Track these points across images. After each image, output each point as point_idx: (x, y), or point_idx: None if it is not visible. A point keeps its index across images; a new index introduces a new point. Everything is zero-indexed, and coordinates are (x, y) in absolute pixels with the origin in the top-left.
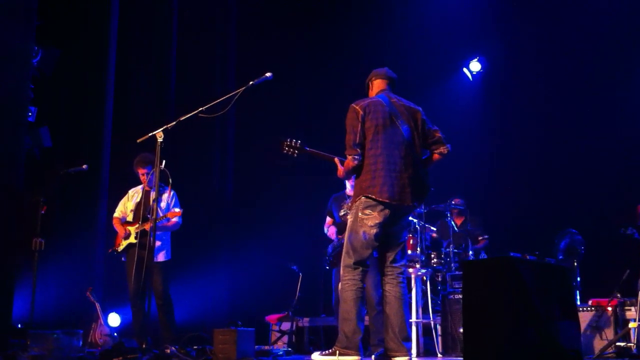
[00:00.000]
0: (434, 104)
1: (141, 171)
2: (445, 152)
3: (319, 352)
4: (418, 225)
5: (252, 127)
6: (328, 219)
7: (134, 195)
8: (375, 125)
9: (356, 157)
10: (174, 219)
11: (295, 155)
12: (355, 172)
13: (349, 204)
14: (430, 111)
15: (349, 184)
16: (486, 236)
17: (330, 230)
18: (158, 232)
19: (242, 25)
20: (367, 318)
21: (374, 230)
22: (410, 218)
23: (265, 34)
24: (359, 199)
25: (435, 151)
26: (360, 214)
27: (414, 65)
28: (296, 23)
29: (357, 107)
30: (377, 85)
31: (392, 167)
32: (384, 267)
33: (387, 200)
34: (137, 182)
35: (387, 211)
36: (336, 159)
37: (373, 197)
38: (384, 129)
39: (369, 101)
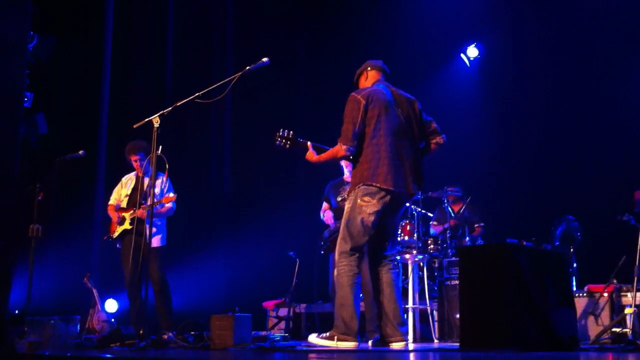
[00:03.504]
0: (431, 91)
1: (133, 158)
2: (442, 142)
3: (316, 334)
4: (415, 211)
5: (250, 115)
6: (324, 205)
7: (128, 182)
8: (377, 114)
9: (350, 148)
10: (168, 204)
11: (288, 146)
12: (341, 160)
13: (348, 191)
14: (427, 98)
15: (347, 170)
16: (482, 224)
17: (327, 215)
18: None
19: (240, 12)
20: (363, 304)
21: (372, 218)
22: (407, 204)
23: (263, 21)
24: (359, 186)
25: (432, 141)
26: (359, 200)
27: (411, 51)
28: (295, 10)
29: (359, 97)
30: (372, 76)
31: (395, 155)
32: (375, 256)
33: (391, 188)
34: (133, 169)
35: (387, 198)
36: (309, 144)
37: (377, 185)
38: (386, 118)
39: (370, 90)
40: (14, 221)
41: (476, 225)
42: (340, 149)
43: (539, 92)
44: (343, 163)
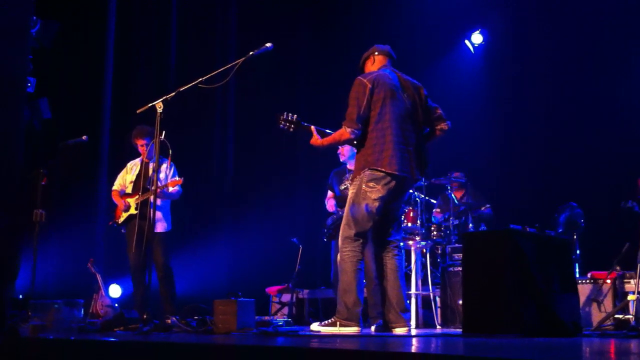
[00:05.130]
0: (436, 77)
1: (139, 142)
2: (446, 128)
3: (318, 323)
4: (418, 198)
5: (253, 101)
6: (329, 193)
7: (133, 167)
8: (383, 98)
9: (355, 131)
10: (175, 187)
11: (292, 130)
12: (346, 144)
13: (350, 178)
14: (431, 84)
15: (341, 159)
16: (488, 205)
17: (330, 203)
18: (158, 203)
19: (243, 1)
20: (365, 290)
21: (377, 204)
22: (411, 190)
23: (266, 10)
24: (364, 171)
25: (437, 127)
26: (364, 186)
27: (415, 38)
28: None
29: (365, 81)
30: (379, 60)
31: (400, 139)
32: (380, 241)
33: (396, 173)
34: (137, 154)
35: (392, 184)
36: (312, 128)
37: (382, 169)
38: (391, 102)
39: (376, 74)
40: (19, 204)
41: (483, 208)
42: (345, 132)
43: (542, 79)
44: (339, 150)
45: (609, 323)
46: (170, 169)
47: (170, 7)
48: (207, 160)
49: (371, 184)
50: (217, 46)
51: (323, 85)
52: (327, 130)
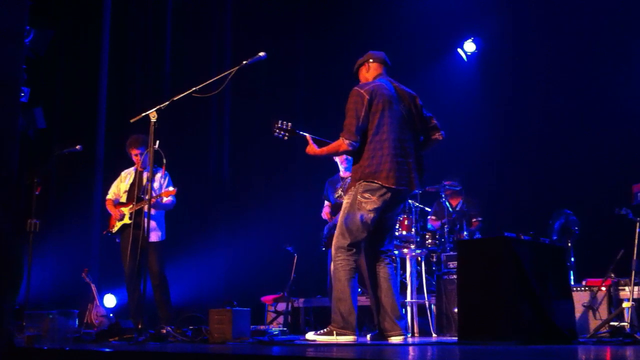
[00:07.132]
0: (429, 85)
1: (134, 152)
2: (440, 138)
3: (313, 332)
4: (413, 206)
5: (249, 108)
6: (326, 203)
7: (127, 176)
8: (381, 109)
9: (354, 143)
10: (169, 198)
11: (286, 138)
12: (343, 155)
13: (343, 186)
14: (424, 92)
15: (342, 167)
16: (480, 219)
17: (324, 211)
18: (152, 212)
19: (239, 5)
20: (362, 298)
21: (372, 215)
22: None
23: (262, 15)
24: (359, 182)
25: (432, 137)
26: (359, 196)
27: (410, 44)
28: (293, 4)
29: (362, 91)
30: (374, 68)
31: (399, 152)
32: (372, 251)
33: (393, 186)
34: (132, 163)
35: (388, 195)
36: (308, 136)
37: (379, 182)
38: (389, 113)
39: (374, 85)
40: (16, 210)
41: (474, 220)
42: (343, 143)
43: (536, 87)
44: (338, 160)
45: (605, 330)
46: (164, 179)
47: (165, 13)
48: (203, 167)
49: (366, 195)
50: (213, 50)
51: (320, 89)
52: (318, 138)
